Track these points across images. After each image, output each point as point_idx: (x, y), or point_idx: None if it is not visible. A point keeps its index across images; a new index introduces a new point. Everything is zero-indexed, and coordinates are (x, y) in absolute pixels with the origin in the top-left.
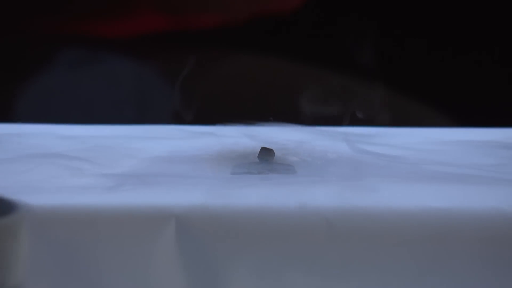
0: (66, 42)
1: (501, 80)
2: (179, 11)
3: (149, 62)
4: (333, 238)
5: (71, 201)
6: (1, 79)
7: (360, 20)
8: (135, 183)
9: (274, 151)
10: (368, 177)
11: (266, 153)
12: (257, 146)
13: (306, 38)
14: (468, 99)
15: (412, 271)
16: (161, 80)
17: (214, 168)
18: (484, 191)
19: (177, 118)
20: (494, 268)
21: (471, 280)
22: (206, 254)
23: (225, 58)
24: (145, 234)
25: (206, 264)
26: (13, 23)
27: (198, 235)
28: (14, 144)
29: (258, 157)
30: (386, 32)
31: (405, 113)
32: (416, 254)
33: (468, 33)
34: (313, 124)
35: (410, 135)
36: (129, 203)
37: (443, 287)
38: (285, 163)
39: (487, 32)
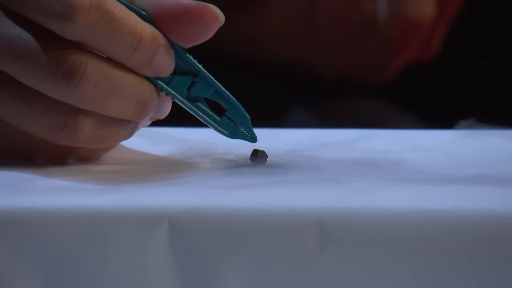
0: None
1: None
2: None
3: None
4: (326, 238)
5: (63, 203)
6: None
7: None
8: (127, 184)
9: (266, 153)
10: (361, 178)
11: (258, 155)
12: (249, 148)
13: None
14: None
15: (405, 272)
16: None
17: (207, 169)
18: (477, 192)
19: None
20: (487, 269)
21: (465, 281)
22: (199, 255)
23: None
24: (138, 236)
25: (199, 265)
26: None
27: (191, 237)
28: None
29: (250, 159)
30: None
31: (393, 117)
32: (409, 255)
33: None
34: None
35: (402, 137)
36: (121, 204)
37: None
38: (277, 165)
39: None
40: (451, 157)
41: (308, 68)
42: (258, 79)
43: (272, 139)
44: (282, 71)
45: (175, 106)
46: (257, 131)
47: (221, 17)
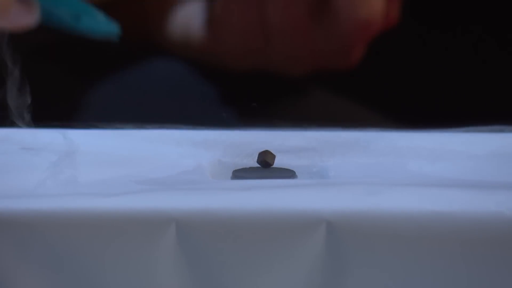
0: None
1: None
2: None
3: None
4: (333, 240)
5: (70, 205)
6: None
7: None
8: (134, 187)
9: (274, 155)
10: (368, 180)
11: (265, 157)
12: (256, 150)
13: None
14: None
15: (412, 274)
16: None
17: (214, 171)
18: (485, 194)
19: None
20: (494, 271)
21: (472, 283)
22: (207, 258)
23: None
24: (145, 239)
25: (207, 268)
26: None
27: (199, 239)
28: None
29: (257, 161)
30: None
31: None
32: (416, 257)
33: None
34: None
35: (408, 140)
36: (128, 207)
37: None
38: (284, 166)
39: None
40: (458, 159)
41: (273, 73)
42: (225, 85)
43: (275, 141)
44: (246, 78)
45: (181, 106)
46: (263, 133)
47: None
